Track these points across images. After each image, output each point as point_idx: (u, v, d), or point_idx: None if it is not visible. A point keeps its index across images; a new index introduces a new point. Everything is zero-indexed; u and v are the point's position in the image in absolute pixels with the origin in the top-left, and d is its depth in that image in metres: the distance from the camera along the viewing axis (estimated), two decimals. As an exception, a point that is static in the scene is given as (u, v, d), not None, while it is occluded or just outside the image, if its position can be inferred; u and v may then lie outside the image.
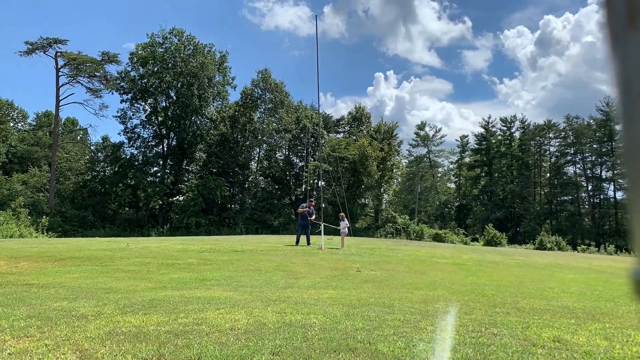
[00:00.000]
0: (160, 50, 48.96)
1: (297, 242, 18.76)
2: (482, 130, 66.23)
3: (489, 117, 66.72)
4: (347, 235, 19.00)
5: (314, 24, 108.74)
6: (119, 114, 50.34)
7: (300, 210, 19.31)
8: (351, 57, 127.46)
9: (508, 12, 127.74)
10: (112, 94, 49.68)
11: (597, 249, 44.07)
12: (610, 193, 58.98)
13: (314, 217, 19.12)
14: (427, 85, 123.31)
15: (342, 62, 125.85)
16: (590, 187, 60.74)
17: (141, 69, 49.02)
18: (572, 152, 61.66)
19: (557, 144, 63.15)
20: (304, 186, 50.97)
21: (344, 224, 18.81)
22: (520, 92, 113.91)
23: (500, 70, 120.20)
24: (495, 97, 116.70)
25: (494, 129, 66.09)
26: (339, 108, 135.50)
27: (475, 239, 49.11)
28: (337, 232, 20.88)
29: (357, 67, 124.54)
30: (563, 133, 62.15)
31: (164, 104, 51.06)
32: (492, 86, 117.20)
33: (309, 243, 18.72)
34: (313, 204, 19.71)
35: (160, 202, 48.39)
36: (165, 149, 51.12)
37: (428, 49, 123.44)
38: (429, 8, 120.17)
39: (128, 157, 50.07)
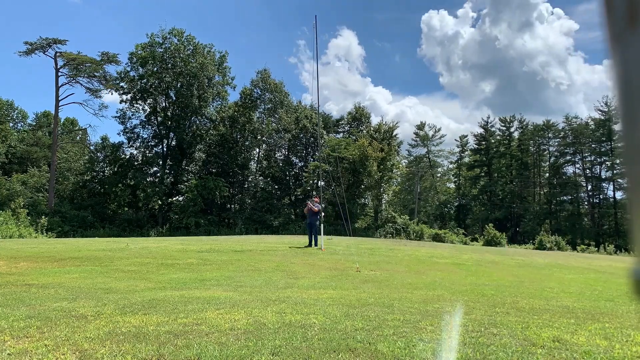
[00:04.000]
0: (160, 50, 48.92)
1: (310, 243, 17.85)
2: (482, 130, 66.32)
3: (488, 117, 66.91)
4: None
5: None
6: (118, 114, 50.35)
7: (306, 210, 18.15)
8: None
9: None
10: (112, 94, 49.81)
11: (596, 248, 44.07)
12: (610, 193, 59.05)
13: (317, 210, 17.67)
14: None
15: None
16: (589, 187, 60.75)
17: (141, 69, 48.96)
18: (572, 152, 61.68)
19: (556, 143, 63.19)
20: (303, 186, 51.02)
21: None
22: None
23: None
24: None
25: (493, 129, 66.18)
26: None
27: (474, 239, 49.12)
28: (336, 232, 20.61)
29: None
30: (562, 133, 62.19)
31: (164, 104, 51.02)
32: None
33: (312, 244, 17.79)
34: (317, 199, 18.36)
35: (160, 202, 48.35)
36: (164, 149, 51.08)
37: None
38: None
39: (127, 157, 50.05)
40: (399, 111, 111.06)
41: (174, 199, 49.76)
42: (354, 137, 50.39)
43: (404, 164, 62.71)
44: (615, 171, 56.44)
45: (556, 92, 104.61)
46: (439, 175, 73.44)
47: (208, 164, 52.27)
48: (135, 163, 49.51)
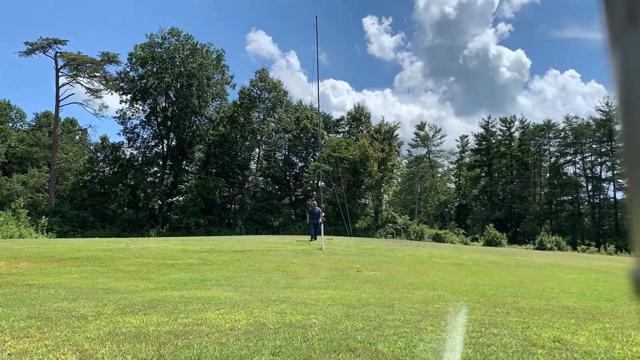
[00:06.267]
0: (159, 50, 48.94)
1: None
2: (482, 130, 66.32)
3: (489, 117, 66.84)
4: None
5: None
6: (118, 115, 50.36)
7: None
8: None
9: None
10: (112, 94, 49.73)
11: (597, 249, 44.04)
12: (610, 193, 58.98)
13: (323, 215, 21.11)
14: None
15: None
16: (590, 187, 60.71)
17: (140, 70, 48.96)
18: (572, 152, 61.66)
19: (557, 144, 63.17)
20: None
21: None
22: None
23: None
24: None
25: (493, 129, 66.17)
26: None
27: (475, 239, 49.10)
28: (336, 232, 21.32)
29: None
30: (562, 133, 62.18)
31: (164, 105, 51.02)
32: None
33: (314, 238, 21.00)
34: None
35: (160, 203, 48.34)
36: (164, 150, 51.09)
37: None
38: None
39: (127, 157, 50.05)
40: (360, 102, 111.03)
41: (174, 199, 49.77)
42: (354, 138, 50.39)
43: (404, 164, 62.76)
44: (615, 171, 56.38)
45: (510, 90, 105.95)
46: (439, 175, 73.36)
47: (208, 164, 52.26)
48: (135, 163, 49.50)
